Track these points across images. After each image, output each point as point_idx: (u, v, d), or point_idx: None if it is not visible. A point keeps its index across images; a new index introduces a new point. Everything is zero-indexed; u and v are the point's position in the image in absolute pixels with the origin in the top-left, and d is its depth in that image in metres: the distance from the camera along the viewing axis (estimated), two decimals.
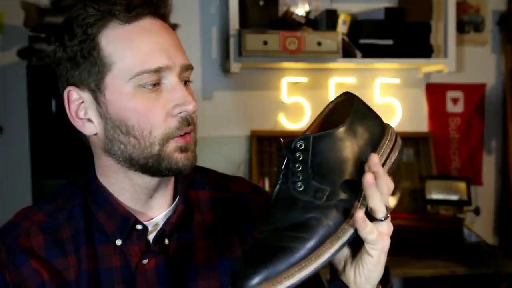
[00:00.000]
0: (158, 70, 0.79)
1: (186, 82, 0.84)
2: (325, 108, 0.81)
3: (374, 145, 0.75)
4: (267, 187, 2.52)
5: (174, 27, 0.87)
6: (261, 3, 2.42)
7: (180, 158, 0.81)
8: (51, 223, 0.85)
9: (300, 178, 0.70)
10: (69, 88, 0.83)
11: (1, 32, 2.47)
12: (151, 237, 0.86)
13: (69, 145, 2.21)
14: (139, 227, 0.84)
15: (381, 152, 0.75)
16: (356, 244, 0.71)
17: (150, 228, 0.86)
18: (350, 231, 0.68)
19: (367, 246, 0.69)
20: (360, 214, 0.66)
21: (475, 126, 2.78)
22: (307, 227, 0.67)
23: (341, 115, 0.77)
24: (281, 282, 0.64)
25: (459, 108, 2.77)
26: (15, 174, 2.47)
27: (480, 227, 2.69)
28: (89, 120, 0.83)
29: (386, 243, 0.69)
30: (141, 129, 0.79)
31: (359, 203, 0.70)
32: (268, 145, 2.61)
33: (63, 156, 2.19)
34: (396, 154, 0.76)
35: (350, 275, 0.73)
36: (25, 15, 2.27)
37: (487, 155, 2.80)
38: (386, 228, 0.69)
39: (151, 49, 0.80)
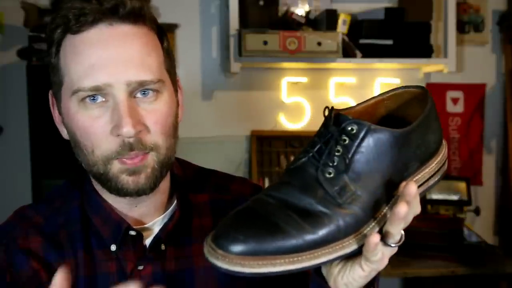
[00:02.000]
0: (95, 89, 0.74)
1: (146, 92, 0.76)
2: (390, 91, 0.71)
3: (422, 162, 0.67)
4: None
5: (155, 27, 0.80)
6: (261, 3, 2.42)
7: (127, 181, 0.76)
8: (49, 226, 0.84)
9: (334, 164, 0.62)
10: (51, 91, 0.84)
11: (1, 32, 2.47)
12: (148, 241, 0.84)
13: (69, 145, 2.21)
14: (132, 233, 0.82)
15: (424, 173, 0.67)
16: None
17: (145, 233, 0.84)
18: (354, 246, 0.62)
19: (363, 261, 0.64)
20: (375, 239, 0.61)
21: (475, 126, 2.78)
22: (315, 220, 0.60)
23: (406, 110, 0.70)
24: (264, 265, 0.58)
25: (459, 108, 2.77)
26: (15, 174, 2.47)
27: (480, 227, 2.69)
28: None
29: (383, 264, 0.65)
30: (85, 146, 0.77)
31: (376, 221, 0.64)
32: (268, 145, 2.61)
33: (63, 156, 2.18)
34: (436, 180, 0.69)
35: (333, 272, 0.68)
36: (25, 15, 2.27)
37: (487, 155, 2.80)
38: (391, 252, 0.65)
39: (91, 64, 0.74)
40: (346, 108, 0.68)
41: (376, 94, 0.72)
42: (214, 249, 0.60)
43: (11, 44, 2.44)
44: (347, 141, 0.62)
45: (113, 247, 0.82)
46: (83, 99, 0.75)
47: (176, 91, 0.84)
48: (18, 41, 2.38)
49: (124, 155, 0.75)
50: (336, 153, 0.62)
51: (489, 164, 2.81)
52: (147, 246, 0.83)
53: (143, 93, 0.76)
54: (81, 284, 0.81)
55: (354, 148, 0.62)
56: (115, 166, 0.76)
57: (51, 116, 0.87)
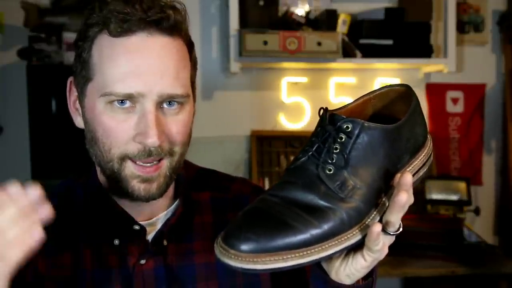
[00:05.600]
0: (128, 96, 0.76)
1: (171, 103, 0.78)
2: (376, 90, 0.75)
3: (412, 154, 0.71)
4: (267, 187, 2.52)
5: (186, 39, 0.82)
6: (261, 3, 2.42)
7: (138, 188, 0.79)
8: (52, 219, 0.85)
9: (333, 161, 0.66)
10: (71, 78, 0.85)
11: (1, 32, 2.47)
12: (150, 236, 0.85)
13: (69, 145, 2.22)
14: (136, 227, 0.84)
15: (415, 164, 0.71)
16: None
17: (148, 229, 0.85)
18: (359, 236, 0.66)
19: (365, 251, 0.68)
20: (377, 229, 0.64)
21: (475, 126, 2.78)
22: (321, 214, 0.64)
23: (392, 107, 0.74)
24: (276, 260, 0.62)
25: (459, 108, 2.77)
26: (15, 174, 2.46)
27: (480, 227, 2.69)
28: (80, 114, 0.84)
29: (384, 253, 0.68)
30: (103, 143, 0.79)
31: (376, 211, 0.67)
32: (268, 145, 2.61)
33: (63, 156, 2.19)
34: (425, 170, 0.73)
35: (334, 265, 0.71)
36: (25, 15, 2.27)
37: (487, 155, 2.80)
38: (390, 241, 0.68)
39: (128, 71, 0.75)
40: (338, 108, 0.72)
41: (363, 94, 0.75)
42: (226, 249, 0.62)
43: (11, 44, 2.44)
44: (344, 139, 0.66)
45: (116, 241, 0.83)
46: (111, 102, 0.77)
47: (195, 101, 0.86)
48: (18, 41, 2.38)
49: (141, 159, 0.77)
50: (335, 151, 0.66)
51: (489, 164, 2.81)
52: (150, 241, 0.85)
53: (169, 104, 0.78)
54: (81, 277, 0.82)
55: (350, 144, 0.66)
56: (129, 168, 0.78)
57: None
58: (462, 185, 2.52)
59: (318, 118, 0.69)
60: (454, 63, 2.54)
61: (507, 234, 2.76)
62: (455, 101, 2.77)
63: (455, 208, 2.49)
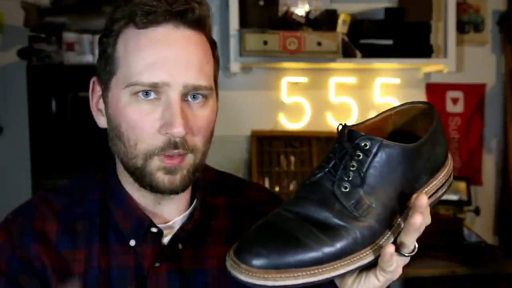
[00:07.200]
0: (153, 86, 0.76)
1: (196, 96, 0.79)
2: (397, 107, 0.74)
3: (431, 174, 0.70)
4: (267, 187, 2.52)
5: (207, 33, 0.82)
6: (261, 3, 2.42)
7: (162, 179, 0.78)
8: (68, 215, 0.85)
9: (350, 179, 0.65)
10: (94, 78, 0.85)
11: (1, 32, 2.47)
12: (166, 239, 0.85)
13: (69, 145, 2.22)
14: (154, 230, 0.83)
15: (433, 184, 0.70)
16: None
17: (165, 232, 0.85)
18: (371, 257, 0.65)
19: (378, 271, 0.66)
20: (390, 250, 0.63)
21: (475, 126, 2.78)
22: (334, 232, 0.63)
23: (413, 124, 0.73)
24: (287, 277, 0.61)
25: (459, 108, 2.77)
26: (15, 174, 2.47)
27: (480, 227, 2.69)
28: (103, 114, 0.84)
29: (398, 274, 0.67)
30: (128, 138, 0.78)
31: (391, 232, 0.66)
32: (268, 145, 2.61)
33: (63, 156, 2.19)
34: (444, 191, 0.72)
35: (347, 283, 0.70)
36: (25, 15, 2.28)
37: (487, 155, 2.80)
38: (404, 262, 0.67)
39: (153, 62, 0.76)
40: (356, 124, 0.71)
41: (383, 110, 0.74)
42: (237, 263, 0.62)
43: (11, 44, 2.44)
44: (361, 157, 0.65)
45: (132, 242, 0.83)
46: (136, 93, 0.77)
47: (217, 99, 0.87)
48: (18, 41, 2.38)
49: (167, 152, 0.77)
50: (351, 168, 0.65)
51: (489, 164, 2.81)
52: (165, 244, 0.85)
53: (193, 97, 0.79)
54: (93, 275, 0.82)
55: (368, 163, 0.65)
56: (155, 163, 0.78)
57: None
58: (462, 185, 2.52)
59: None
60: (454, 63, 2.55)
61: (507, 234, 2.76)
62: (455, 101, 2.77)
63: (455, 208, 2.49)
